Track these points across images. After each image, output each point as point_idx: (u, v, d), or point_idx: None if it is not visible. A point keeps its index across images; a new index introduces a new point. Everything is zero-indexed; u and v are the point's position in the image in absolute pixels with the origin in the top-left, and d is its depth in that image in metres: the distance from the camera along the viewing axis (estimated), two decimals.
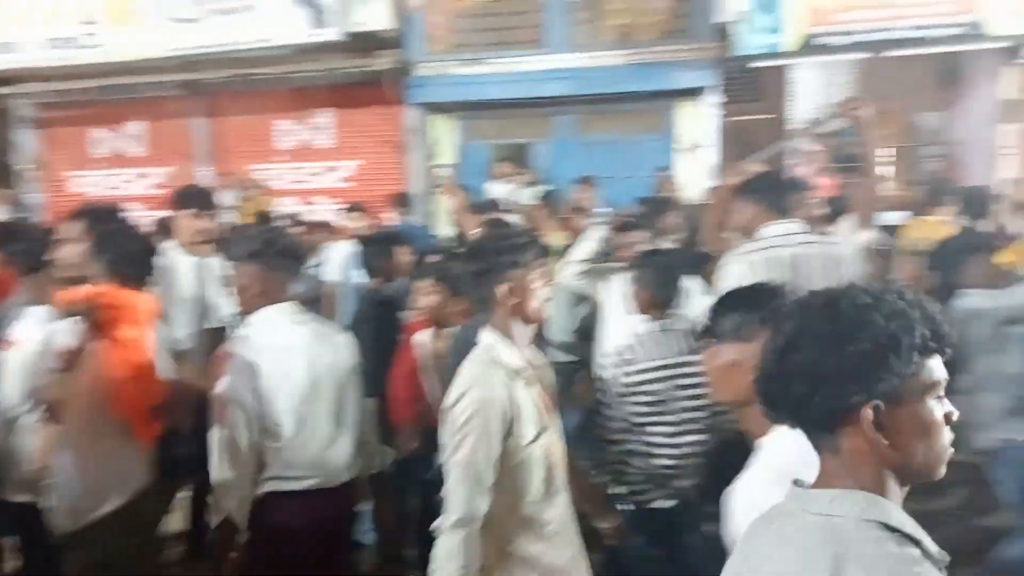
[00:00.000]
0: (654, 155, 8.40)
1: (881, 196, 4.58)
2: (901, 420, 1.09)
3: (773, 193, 3.32)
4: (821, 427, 1.15)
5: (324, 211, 9.10)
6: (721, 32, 8.30)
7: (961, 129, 9.09)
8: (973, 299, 3.47)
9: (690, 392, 3.01)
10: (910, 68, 8.79)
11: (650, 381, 3.00)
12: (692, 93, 8.49)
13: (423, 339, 3.69)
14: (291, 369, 2.62)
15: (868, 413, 1.09)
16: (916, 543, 1.09)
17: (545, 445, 2.24)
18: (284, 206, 9.10)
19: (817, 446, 1.17)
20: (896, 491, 1.13)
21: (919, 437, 1.10)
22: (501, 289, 2.21)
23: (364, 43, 8.74)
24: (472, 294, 2.34)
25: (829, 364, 1.09)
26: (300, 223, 7.07)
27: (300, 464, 2.63)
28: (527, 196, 7.17)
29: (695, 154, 8.55)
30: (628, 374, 3.03)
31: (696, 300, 3.56)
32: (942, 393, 1.13)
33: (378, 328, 3.93)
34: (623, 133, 8.90)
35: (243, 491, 2.57)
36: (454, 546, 2.06)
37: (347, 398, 2.81)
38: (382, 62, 8.77)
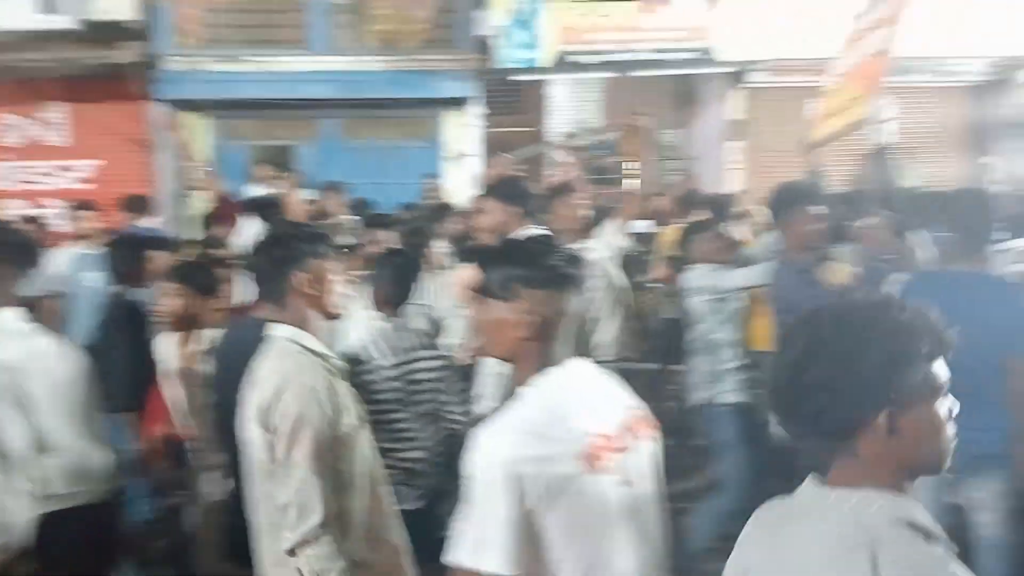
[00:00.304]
0: (422, 162, 8.46)
1: (639, 205, 4.98)
2: (913, 422, 1.13)
3: (522, 197, 3.41)
4: (839, 437, 1.16)
5: (56, 214, 8.20)
6: (482, 45, 8.55)
7: (696, 145, 10.03)
8: (695, 273, 3.93)
9: (426, 387, 3.02)
10: (652, 88, 9.60)
11: (386, 379, 2.97)
12: (456, 103, 8.66)
13: (168, 346, 3.41)
14: (24, 382, 2.43)
15: (883, 420, 1.13)
16: (939, 540, 1.12)
17: (368, 437, 2.18)
18: (9, 208, 8.11)
19: (832, 450, 1.19)
20: (910, 488, 1.17)
21: (930, 436, 1.16)
22: (300, 279, 2.12)
23: (104, 33, 8.02)
24: (268, 285, 2.20)
25: (845, 378, 1.13)
26: (31, 221, 6.38)
27: (54, 480, 2.48)
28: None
29: (461, 163, 8.72)
30: (364, 372, 2.98)
31: None
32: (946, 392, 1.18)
33: (129, 336, 3.61)
34: (390, 139, 8.88)
35: None
36: (329, 548, 1.93)
37: (87, 411, 2.63)
38: (124, 54, 8.09)
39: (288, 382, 2.02)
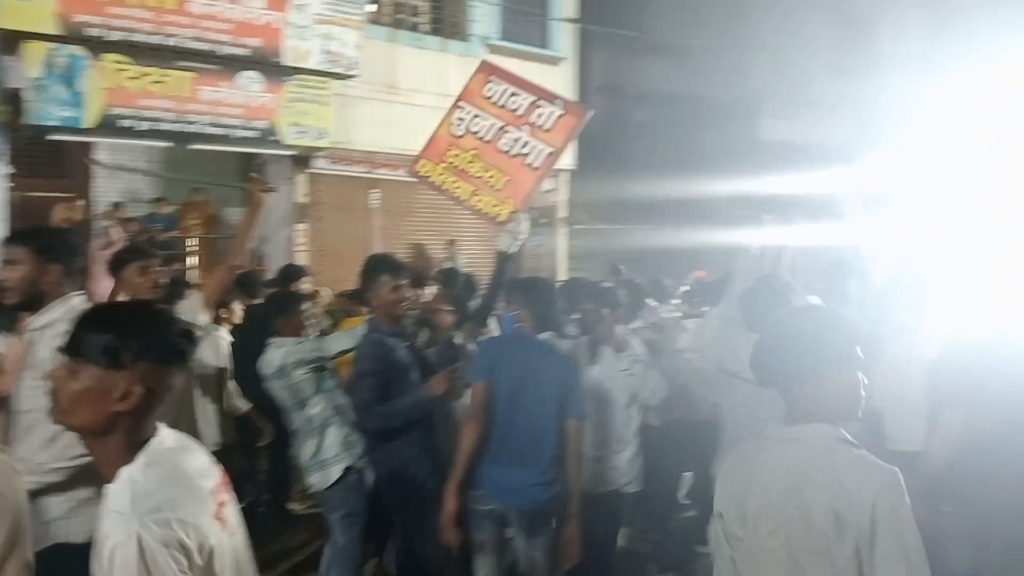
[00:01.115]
0: None
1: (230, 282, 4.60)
2: (840, 384, 1.82)
3: (63, 253, 2.90)
4: (799, 391, 1.83)
5: None
6: (13, 97, 7.49)
7: (264, 225, 9.95)
8: (277, 348, 3.78)
9: None
10: (218, 164, 9.35)
11: None
12: None
13: None
14: None
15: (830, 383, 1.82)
16: (860, 447, 1.80)
17: None
18: None
19: (790, 396, 1.86)
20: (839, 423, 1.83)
21: (849, 392, 1.83)
22: None
23: None
24: None
25: (812, 355, 1.82)
26: None
27: None
28: None
29: None
30: None
31: None
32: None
33: None
34: None
35: None
36: None
37: None
38: None
39: None
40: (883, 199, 13.61)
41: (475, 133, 5.00)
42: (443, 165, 4.97)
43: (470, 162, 4.93)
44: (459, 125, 5.02)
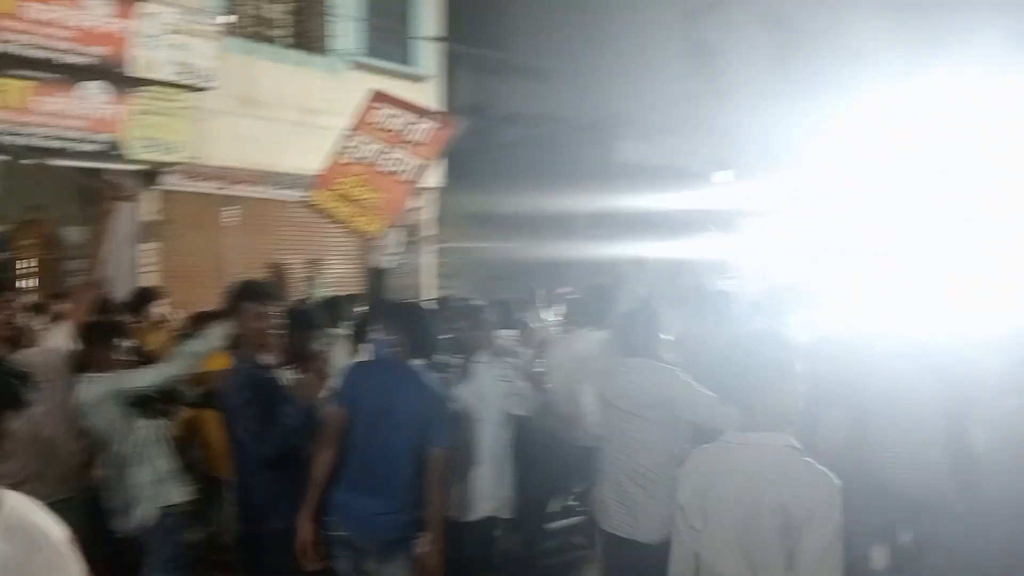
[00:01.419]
0: None
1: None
2: (789, 393, 2.16)
3: None
4: (753, 403, 2.14)
5: None
6: None
7: (108, 245, 9.31)
8: (89, 383, 3.53)
9: None
10: (57, 180, 8.68)
11: None
12: None
13: None
14: None
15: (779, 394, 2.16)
16: (805, 452, 2.09)
17: None
18: None
19: (748, 408, 2.16)
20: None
21: (796, 401, 2.18)
22: None
23: None
24: None
25: (764, 370, 2.16)
26: None
27: None
28: None
29: None
30: None
31: None
32: None
33: None
34: None
35: None
36: None
37: None
38: None
39: None
40: (744, 216, 14.51)
41: (362, 159, 5.11)
42: (332, 193, 5.10)
43: (356, 187, 5.03)
44: (348, 154, 5.15)
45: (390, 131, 5.14)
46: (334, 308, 5.36)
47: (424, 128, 5.11)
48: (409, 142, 5.07)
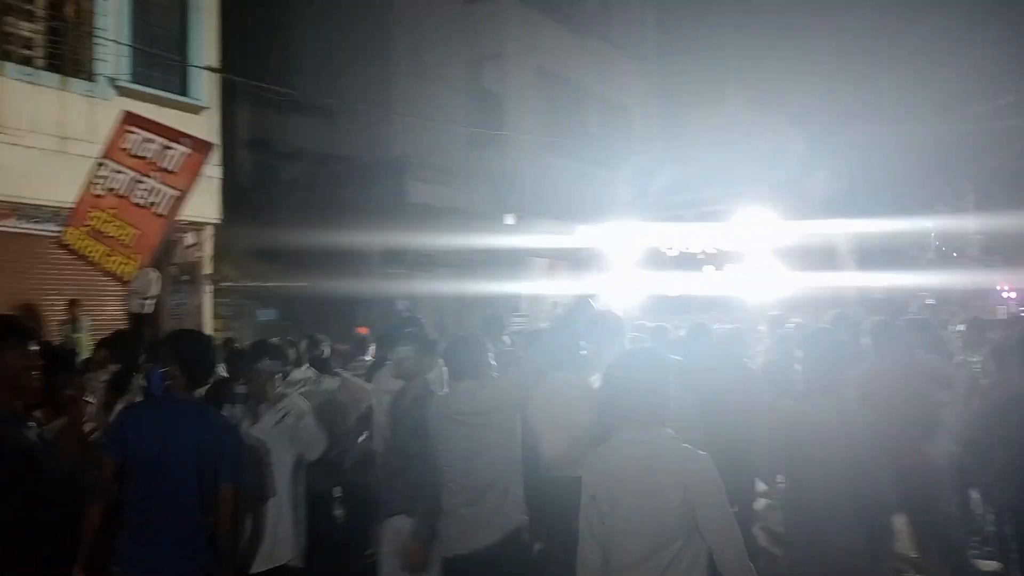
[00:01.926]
0: None
1: None
2: (671, 397, 2.65)
3: None
4: (646, 405, 2.62)
5: None
6: None
7: None
8: None
9: None
10: None
11: None
12: None
13: None
14: None
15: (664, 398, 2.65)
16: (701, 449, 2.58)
17: None
18: None
19: (639, 410, 2.61)
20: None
21: (671, 403, 2.67)
22: None
23: None
24: None
25: (655, 379, 2.67)
26: None
27: None
28: None
29: None
30: None
31: None
32: None
33: None
34: None
35: None
36: None
37: None
38: None
39: None
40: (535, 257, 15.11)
41: (114, 190, 4.72)
42: (84, 229, 4.64)
43: (108, 222, 4.63)
44: (100, 184, 4.72)
45: (143, 158, 4.84)
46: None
47: (177, 155, 4.84)
48: (162, 170, 4.79)
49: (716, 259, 13.65)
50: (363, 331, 9.62)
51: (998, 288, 32.86)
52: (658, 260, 14.32)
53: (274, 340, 5.23)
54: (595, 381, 4.28)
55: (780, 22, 22.39)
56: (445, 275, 12.77)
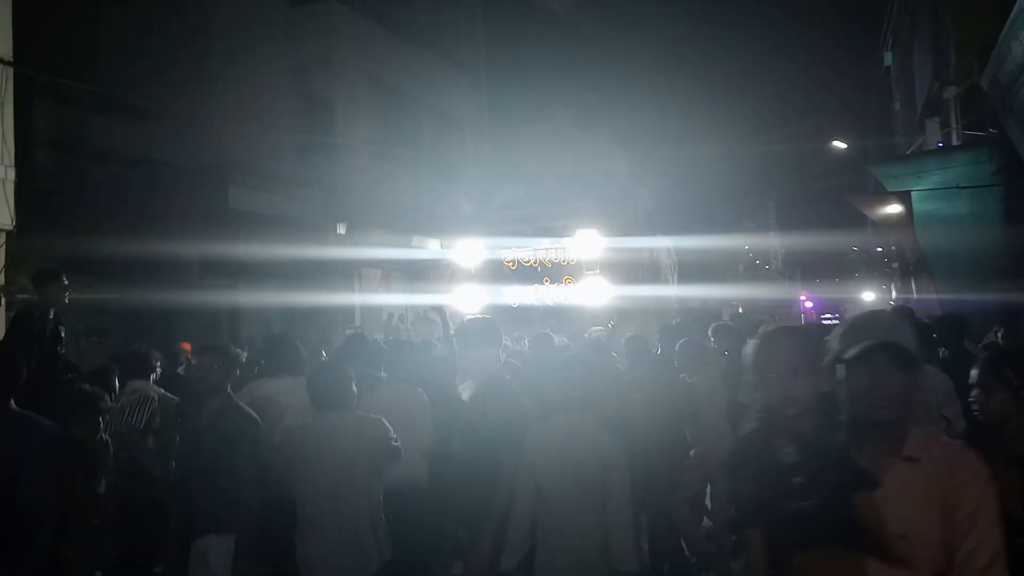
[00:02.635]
0: None
1: None
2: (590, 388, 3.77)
3: None
4: (575, 394, 3.65)
5: None
6: None
7: None
8: None
9: None
10: None
11: None
12: None
13: None
14: None
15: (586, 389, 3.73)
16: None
17: None
18: None
19: (570, 398, 3.64)
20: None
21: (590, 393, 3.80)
22: None
23: None
24: None
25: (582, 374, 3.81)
26: None
27: None
28: None
29: None
30: None
31: None
32: None
33: None
34: None
35: None
36: None
37: None
38: None
39: None
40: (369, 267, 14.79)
41: None
42: None
43: None
44: None
45: None
46: None
47: None
48: None
49: (553, 272, 14.17)
50: (185, 346, 9.02)
51: (801, 298, 36.03)
52: (499, 272, 14.60)
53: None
54: (464, 389, 4.46)
55: (603, 45, 23.54)
56: (273, 286, 12.24)
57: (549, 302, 14.31)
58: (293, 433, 4.05)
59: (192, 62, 12.87)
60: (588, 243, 14.20)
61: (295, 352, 5.03)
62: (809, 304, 35.12)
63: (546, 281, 14.52)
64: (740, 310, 28.09)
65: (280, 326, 12.12)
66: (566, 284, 14.16)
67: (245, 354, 7.03)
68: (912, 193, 10.56)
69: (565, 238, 14.89)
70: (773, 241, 42.10)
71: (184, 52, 12.93)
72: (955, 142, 12.71)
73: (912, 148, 16.96)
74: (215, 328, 11.82)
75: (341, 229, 14.15)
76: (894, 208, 11.63)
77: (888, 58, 23.97)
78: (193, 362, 6.92)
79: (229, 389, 4.05)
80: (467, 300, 13.25)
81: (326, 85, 14.79)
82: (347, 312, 13.89)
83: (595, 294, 13.78)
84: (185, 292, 11.05)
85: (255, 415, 3.93)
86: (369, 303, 14.61)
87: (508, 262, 14.96)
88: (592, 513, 3.32)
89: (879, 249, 26.17)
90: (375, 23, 15.82)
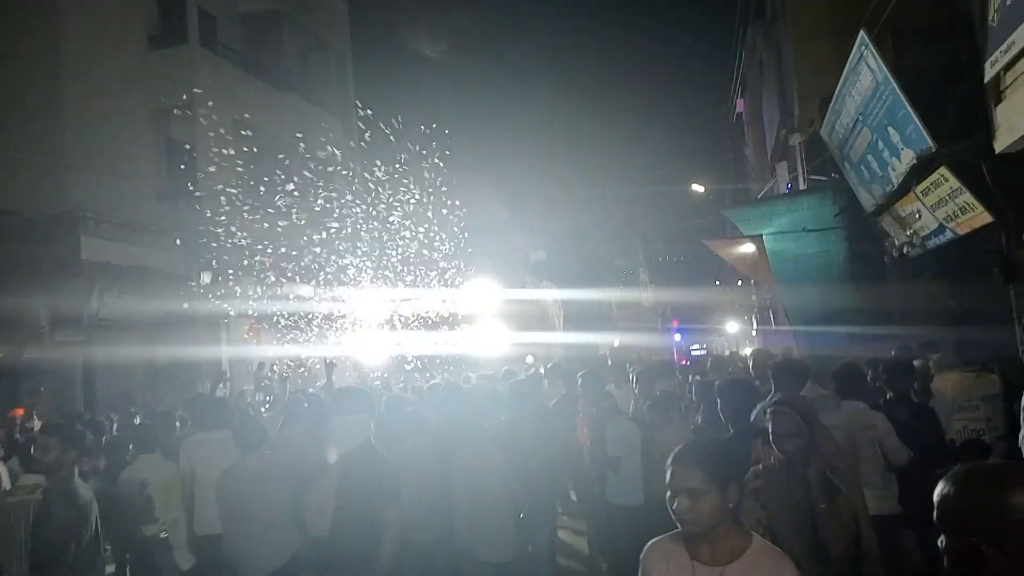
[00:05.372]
0: None
1: None
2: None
3: None
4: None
5: None
6: None
7: None
8: None
9: None
10: None
11: None
12: None
13: None
14: None
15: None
16: None
17: None
18: None
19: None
20: None
21: None
22: None
23: None
24: None
25: None
26: None
27: None
28: None
29: None
30: None
31: None
32: None
33: None
34: None
35: None
36: None
37: None
38: None
39: None
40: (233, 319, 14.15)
41: None
42: None
43: None
44: None
45: None
46: None
47: None
48: None
49: (451, 321, 14.25)
50: (18, 412, 8.12)
51: (672, 327, 37.51)
52: (395, 322, 14.45)
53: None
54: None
55: (478, 90, 23.88)
56: (132, 341, 11.53)
57: (448, 350, 14.40)
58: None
59: (41, 105, 12.11)
60: (483, 294, 14.49)
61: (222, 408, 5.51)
62: (678, 336, 36.55)
63: (443, 330, 14.60)
64: (616, 343, 28.83)
65: (141, 383, 11.45)
66: (460, 331, 14.33)
67: (116, 423, 6.57)
68: (764, 235, 11.19)
69: (462, 289, 15.02)
70: (643, 278, 43.76)
71: (33, 94, 12.16)
72: (802, 186, 13.63)
73: (763, 191, 18.07)
74: (69, 388, 11.01)
75: (205, 278, 13.55)
76: (748, 248, 12.27)
77: (740, 104, 25.57)
78: (28, 426, 6.41)
79: (70, 471, 3.71)
80: (357, 350, 12.99)
81: (187, 130, 14.24)
82: (214, 365, 13.24)
83: (491, 340, 14.06)
84: (34, 349, 10.27)
85: (81, 502, 3.64)
86: (238, 356, 14.01)
87: (405, 314, 14.89)
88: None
89: (739, 283, 27.60)
90: (240, 68, 15.44)
